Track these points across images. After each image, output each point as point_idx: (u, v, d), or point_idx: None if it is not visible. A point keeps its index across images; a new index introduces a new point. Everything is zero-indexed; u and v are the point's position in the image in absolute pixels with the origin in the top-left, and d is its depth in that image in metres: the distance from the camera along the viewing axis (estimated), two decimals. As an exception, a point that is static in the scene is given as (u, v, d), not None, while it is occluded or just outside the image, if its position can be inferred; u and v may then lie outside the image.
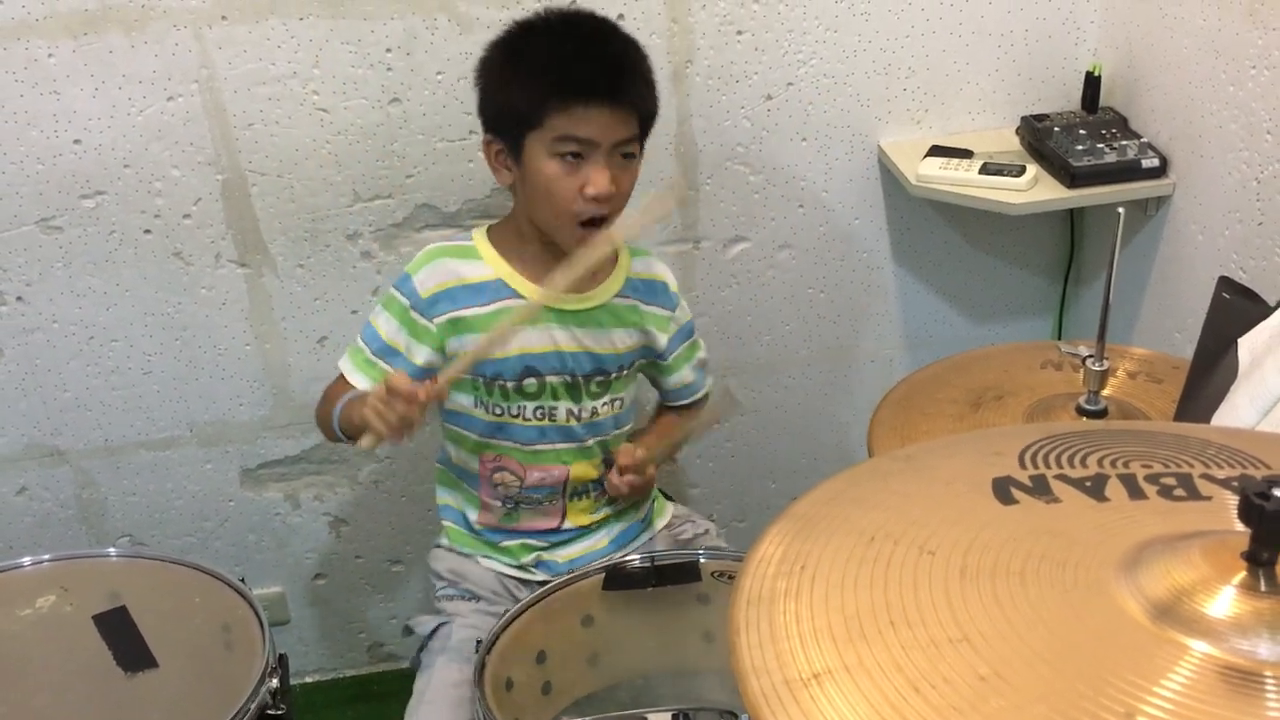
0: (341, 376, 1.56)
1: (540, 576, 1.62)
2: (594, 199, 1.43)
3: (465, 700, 1.46)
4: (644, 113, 1.48)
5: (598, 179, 1.43)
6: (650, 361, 1.67)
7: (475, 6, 1.73)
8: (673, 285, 1.65)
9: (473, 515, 1.65)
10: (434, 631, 1.57)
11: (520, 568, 1.63)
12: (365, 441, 1.39)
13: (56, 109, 1.69)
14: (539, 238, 1.52)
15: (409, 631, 1.62)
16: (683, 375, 1.71)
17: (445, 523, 1.68)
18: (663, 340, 1.64)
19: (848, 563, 0.76)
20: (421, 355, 1.53)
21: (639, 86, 1.47)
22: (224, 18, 1.68)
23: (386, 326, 1.54)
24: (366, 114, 1.77)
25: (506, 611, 1.45)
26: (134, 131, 1.73)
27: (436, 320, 1.52)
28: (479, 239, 1.56)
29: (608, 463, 1.63)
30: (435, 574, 1.67)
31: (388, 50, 1.74)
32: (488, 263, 1.54)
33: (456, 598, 1.62)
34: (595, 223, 1.46)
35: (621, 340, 1.59)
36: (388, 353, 1.54)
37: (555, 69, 1.43)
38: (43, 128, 1.70)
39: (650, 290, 1.62)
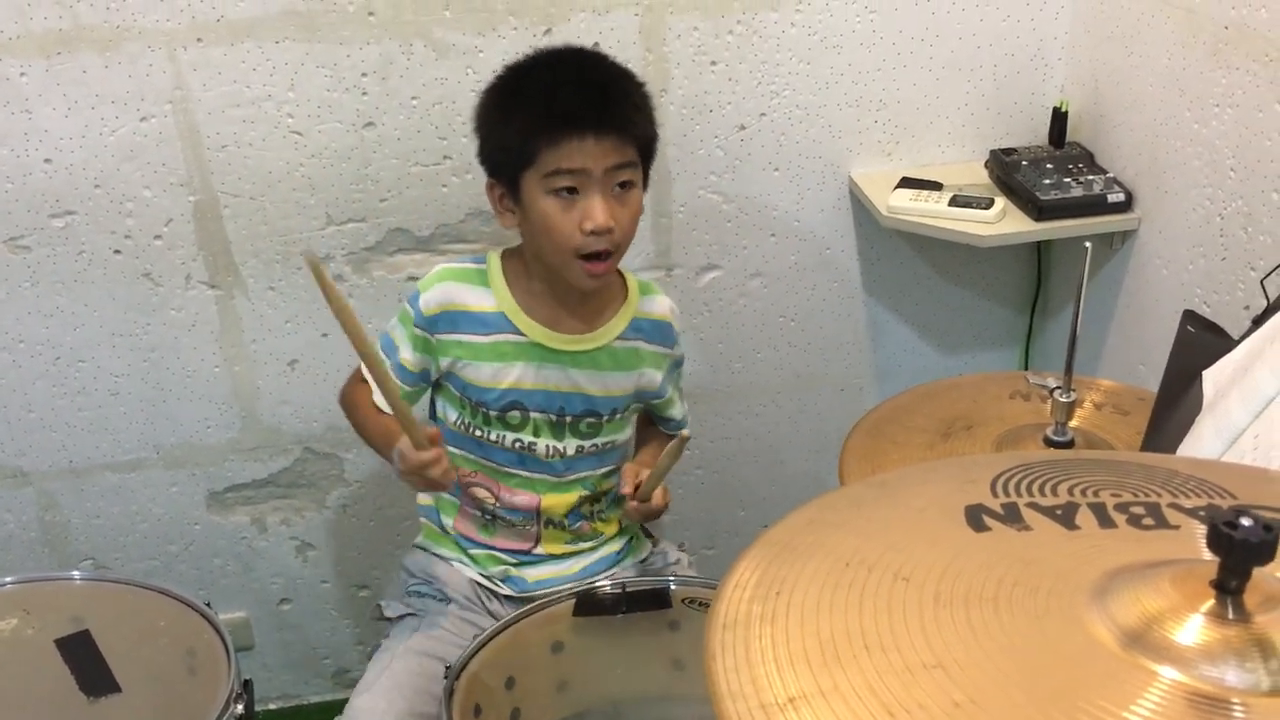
0: (356, 376, 1.60)
1: (506, 591, 1.61)
2: (593, 233, 1.42)
3: (419, 692, 1.46)
4: (638, 139, 1.46)
5: (594, 211, 1.41)
6: (647, 402, 1.66)
7: (451, 33, 1.74)
8: (677, 324, 1.64)
9: (449, 520, 1.65)
10: (402, 619, 1.58)
11: (488, 578, 1.62)
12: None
13: (28, 128, 1.69)
14: (544, 275, 1.52)
15: (379, 612, 1.62)
16: (682, 406, 1.71)
17: (422, 520, 1.69)
18: (659, 379, 1.62)
19: (823, 588, 0.77)
20: (424, 364, 1.55)
21: (627, 112, 1.45)
22: (199, 39, 1.68)
23: (404, 347, 1.55)
24: (341, 137, 1.77)
25: (476, 636, 1.44)
26: (106, 152, 1.72)
27: (437, 337, 1.53)
28: (492, 264, 1.55)
29: (591, 499, 1.62)
30: (408, 570, 1.67)
31: (363, 75, 1.74)
32: (494, 292, 1.53)
33: (428, 596, 1.62)
34: (599, 256, 1.44)
35: (618, 384, 1.58)
36: (406, 376, 1.55)
37: (541, 104, 1.42)
38: (13, 146, 1.69)
39: (656, 330, 1.61)
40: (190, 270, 1.82)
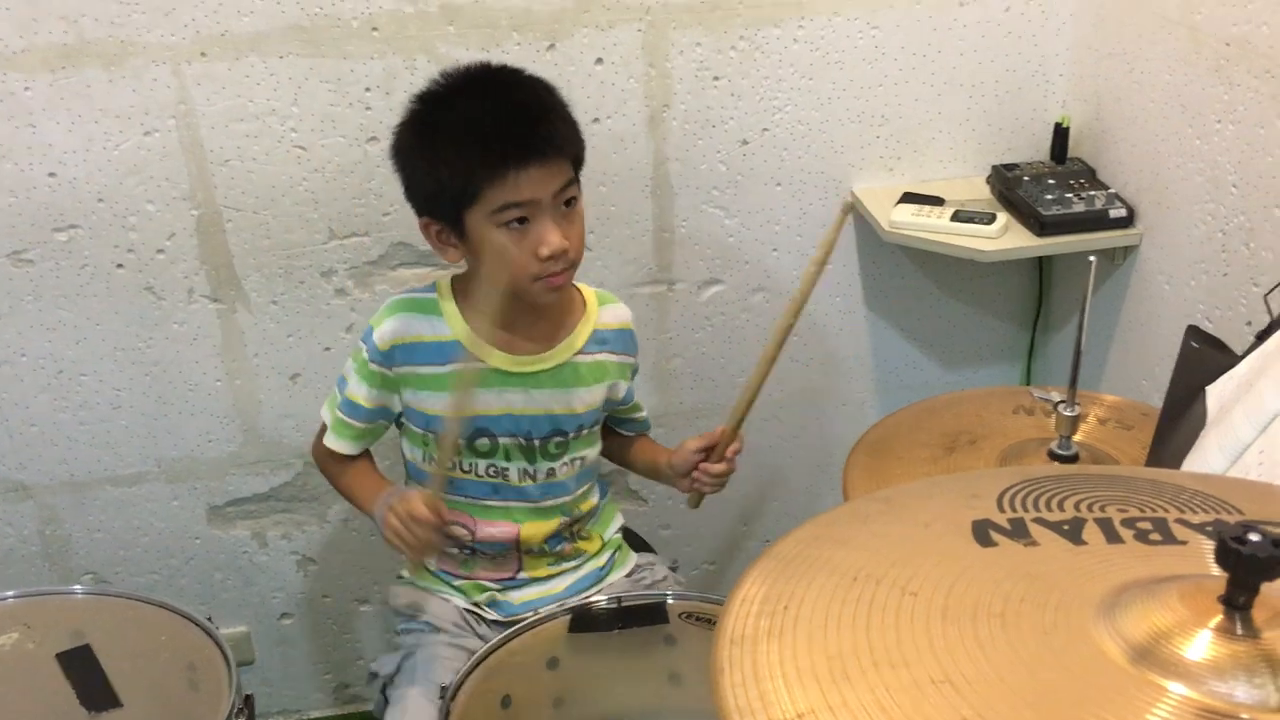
0: (323, 429, 1.57)
1: (494, 616, 1.59)
2: (550, 258, 1.40)
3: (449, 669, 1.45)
4: (575, 155, 1.43)
5: (550, 238, 1.39)
6: (614, 410, 1.64)
7: (455, 48, 1.74)
8: (635, 330, 1.63)
9: (429, 560, 1.61)
10: (399, 667, 1.55)
11: (475, 604, 1.60)
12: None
13: (32, 142, 1.69)
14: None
15: (374, 676, 1.57)
16: (641, 411, 1.70)
17: (403, 557, 1.67)
18: (623, 388, 1.61)
19: (830, 603, 0.77)
20: (382, 400, 1.53)
21: (563, 130, 1.42)
22: (203, 54, 1.68)
23: (354, 384, 1.52)
24: (344, 152, 1.78)
25: (470, 654, 1.44)
26: (109, 166, 1.72)
27: (395, 370, 1.50)
28: (442, 292, 1.52)
29: (571, 523, 1.60)
30: (394, 610, 1.64)
31: (367, 89, 1.75)
32: (447, 320, 1.50)
33: (417, 630, 1.59)
34: (556, 275, 1.42)
35: (582, 400, 1.55)
36: (359, 413, 1.53)
37: (474, 139, 1.37)
38: (17, 160, 1.69)
39: (619, 340, 1.59)
40: (193, 284, 1.82)
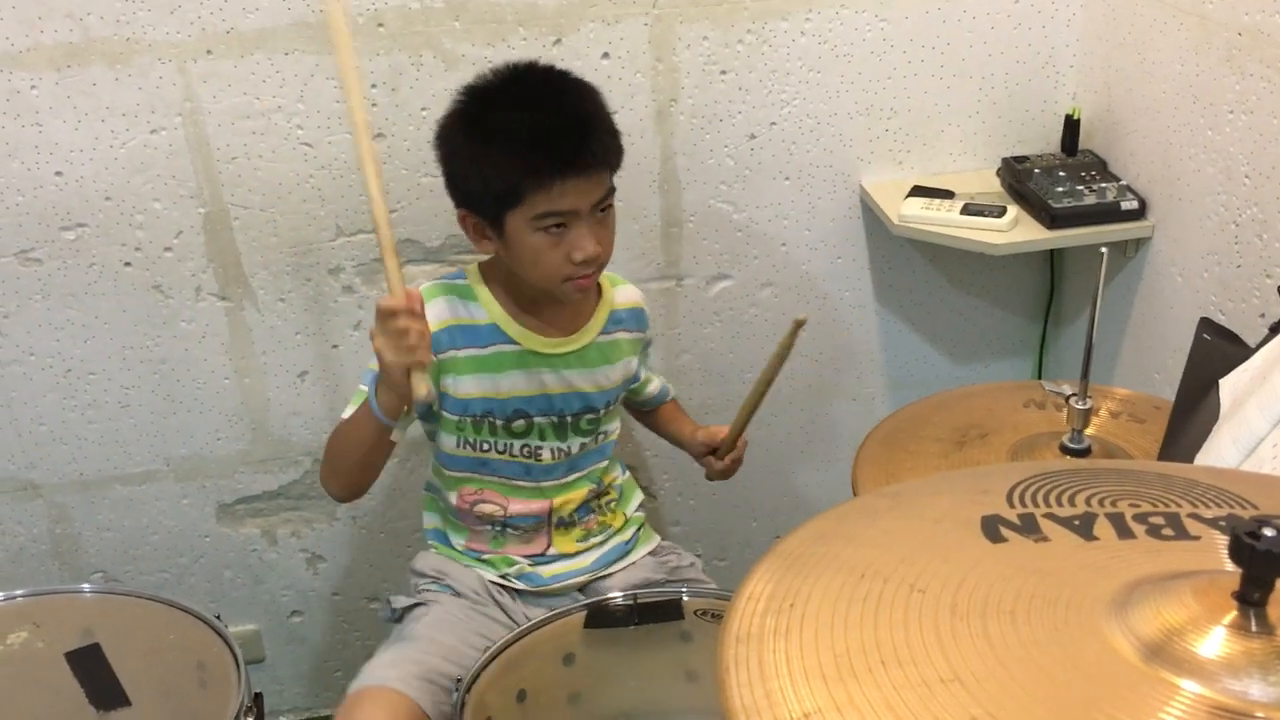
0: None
1: (521, 586, 1.62)
2: (583, 262, 1.44)
3: (430, 666, 1.45)
4: (615, 165, 1.48)
5: (584, 244, 1.43)
6: (628, 388, 1.70)
7: (461, 44, 1.74)
8: (647, 308, 1.69)
9: (459, 540, 1.65)
10: (410, 608, 1.59)
11: (503, 576, 1.63)
12: (419, 388, 1.37)
13: (38, 141, 1.69)
14: (525, 286, 1.52)
15: (390, 606, 1.62)
16: (654, 385, 1.77)
17: (431, 544, 1.68)
18: (635, 364, 1.67)
19: (837, 600, 0.76)
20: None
21: (607, 142, 1.46)
22: (209, 51, 1.68)
23: None
24: (351, 149, 1.77)
25: (487, 649, 1.44)
26: (116, 164, 1.72)
27: (440, 356, 1.51)
28: (473, 278, 1.56)
29: (598, 493, 1.66)
30: (417, 572, 1.65)
31: (373, 86, 1.74)
32: (483, 305, 1.54)
33: (439, 591, 1.61)
34: (585, 277, 1.48)
35: (607, 377, 1.61)
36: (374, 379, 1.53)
37: (526, 147, 1.40)
38: (24, 159, 1.69)
39: (633, 318, 1.65)
40: (200, 282, 1.82)
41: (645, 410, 1.82)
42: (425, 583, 1.63)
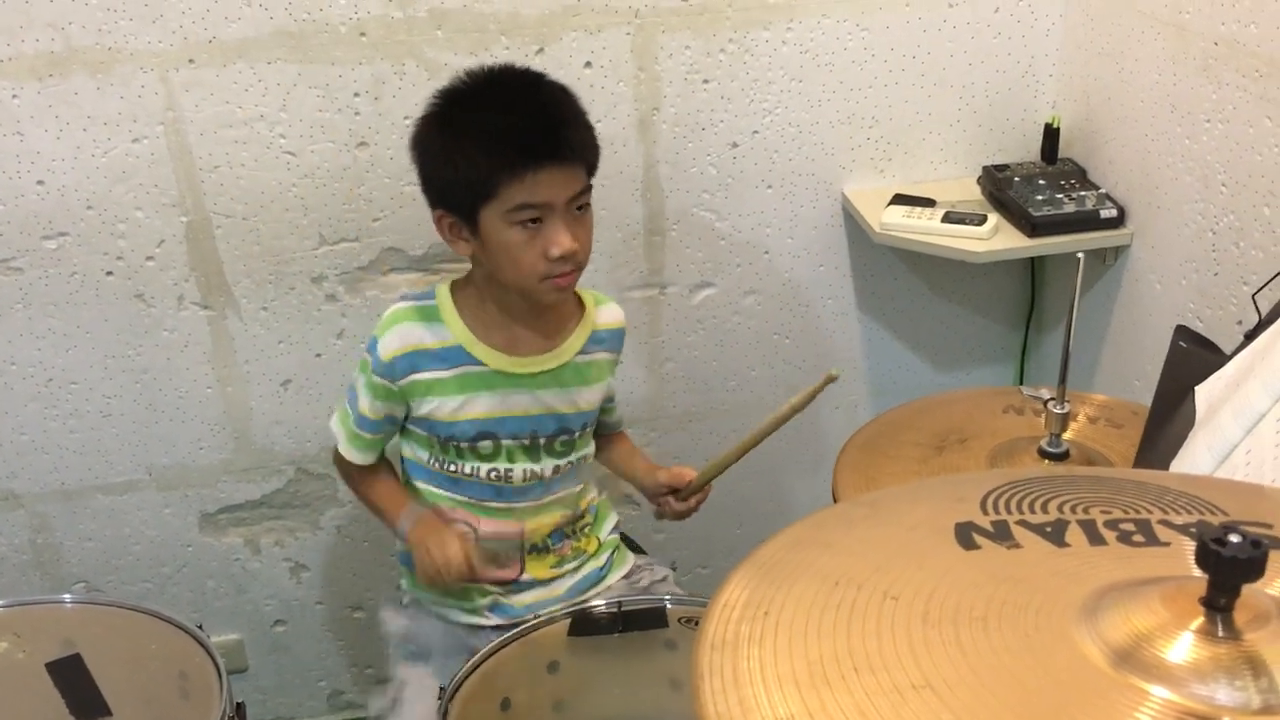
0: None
1: (495, 621, 1.60)
2: (559, 259, 1.43)
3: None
4: (591, 162, 1.47)
5: (560, 239, 1.41)
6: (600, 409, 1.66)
7: (443, 53, 1.74)
8: (625, 327, 1.66)
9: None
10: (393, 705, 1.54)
11: (474, 612, 1.61)
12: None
13: (20, 150, 1.68)
14: (498, 298, 1.51)
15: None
16: (619, 410, 1.73)
17: (404, 568, 1.67)
18: (611, 384, 1.65)
19: (811, 608, 0.76)
20: (389, 410, 1.55)
21: (581, 135, 1.45)
22: (191, 61, 1.68)
23: (363, 396, 1.55)
24: (334, 157, 1.77)
25: (470, 657, 1.43)
26: (98, 173, 1.72)
27: (399, 383, 1.51)
28: (442, 297, 1.54)
29: (572, 518, 1.63)
30: (386, 637, 1.64)
31: (356, 95, 1.74)
32: (449, 326, 1.52)
33: (405, 661, 1.58)
34: (563, 275, 1.45)
35: (585, 398, 1.58)
36: (366, 424, 1.56)
37: (498, 139, 1.40)
38: (5, 168, 1.69)
39: (613, 339, 1.62)
40: (183, 291, 1.82)
41: (599, 435, 1.72)
42: (396, 644, 1.62)
